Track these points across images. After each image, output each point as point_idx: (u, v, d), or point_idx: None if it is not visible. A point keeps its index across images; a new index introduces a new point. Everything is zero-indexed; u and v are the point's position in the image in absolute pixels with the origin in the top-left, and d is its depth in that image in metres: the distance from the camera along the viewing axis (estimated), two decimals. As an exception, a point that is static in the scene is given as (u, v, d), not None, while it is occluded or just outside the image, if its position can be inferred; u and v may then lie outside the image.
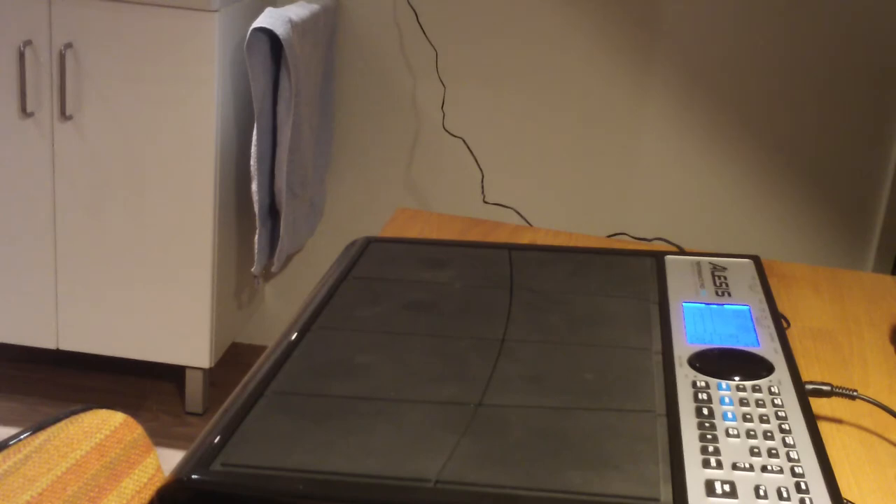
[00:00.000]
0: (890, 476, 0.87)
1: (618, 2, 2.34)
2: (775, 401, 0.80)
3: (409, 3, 2.38)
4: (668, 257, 1.09)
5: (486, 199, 2.51)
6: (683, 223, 2.48)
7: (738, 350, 0.88)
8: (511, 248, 1.11)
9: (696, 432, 0.75)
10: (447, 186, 2.51)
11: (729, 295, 1.00)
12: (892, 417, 0.95)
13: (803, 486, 0.69)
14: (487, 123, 2.45)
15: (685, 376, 0.84)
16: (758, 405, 0.79)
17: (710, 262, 1.08)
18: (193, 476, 0.69)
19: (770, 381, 0.83)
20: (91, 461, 0.71)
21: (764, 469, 0.71)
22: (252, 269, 2.26)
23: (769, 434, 0.75)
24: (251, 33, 2.03)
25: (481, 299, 0.98)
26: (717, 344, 0.89)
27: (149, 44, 2.07)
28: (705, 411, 0.78)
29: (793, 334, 1.11)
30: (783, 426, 0.76)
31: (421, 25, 2.40)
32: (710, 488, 0.69)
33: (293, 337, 0.89)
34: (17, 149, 2.15)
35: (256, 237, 2.21)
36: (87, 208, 2.18)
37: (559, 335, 0.91)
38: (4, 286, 2.25)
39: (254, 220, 2.30)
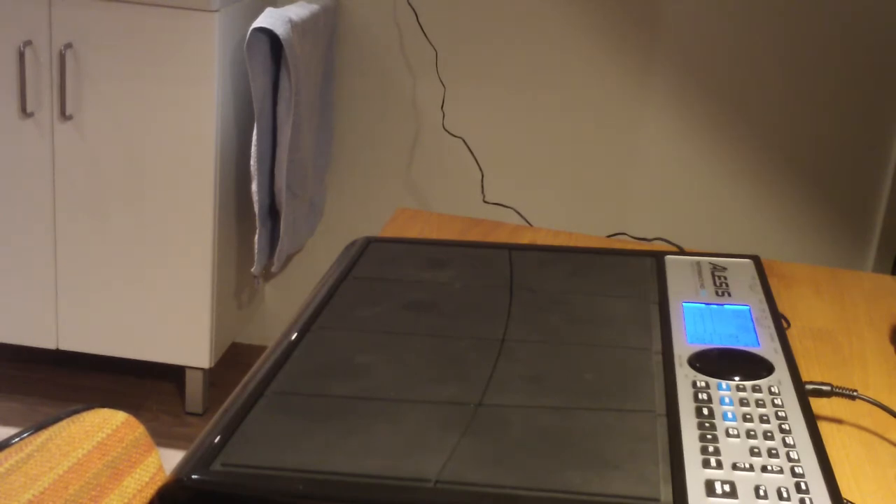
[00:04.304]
0: (890, 476, 0.87)
1: (618, 2, 2.34)
2: (775, 401, 0.80)
3: (409, 3, 2.38)
4: (668, 257, 1.09)
5: (486, 199, 2.51)
6: (683, 223, 2.48)
7: (738, 350, 0.88)
8: (511, 248, 1.11)
9: (696, 432, 0.75)
10: (447, 186, 2.51)
11: (729, 295, 1.00)
12: (892, 417, 0.95)
13: (803, 486, 0.69)
14: (487, 123, 2.45)
15: (685, 376, 0.84)
16: (758, 405, 0.79)
17: (710, 262, 1.08)
18: (194, 476, 0.69)
19: (770, 381, 0.83)
20: (92, 460, 0.71)
21: (764, 469, 0.71)
22: (252, 269, 2.26)
23: (769, 434, 0.75)
24: (251, 33, 2.03)
25: (481, 299, 0.98)
26: (717, 344, 0.89)
27: (149, 44, 2.07)
28: (705, 411, 0.78)
29: (793, 334, 1.11)
30: (783, 426, 0.76)
31: (421, 25, 2.40)
32: (710, 488, 0.69)
33: (293, 337, 0.89)
34: (17, 149, 2.15)
35: (256, 237, 2.21)
36: (87, 208, 2.18)
37: (559, 335, 0.91)
38: (4, 286, 2.25)
39: (254, 220, 2.30)
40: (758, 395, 0.81)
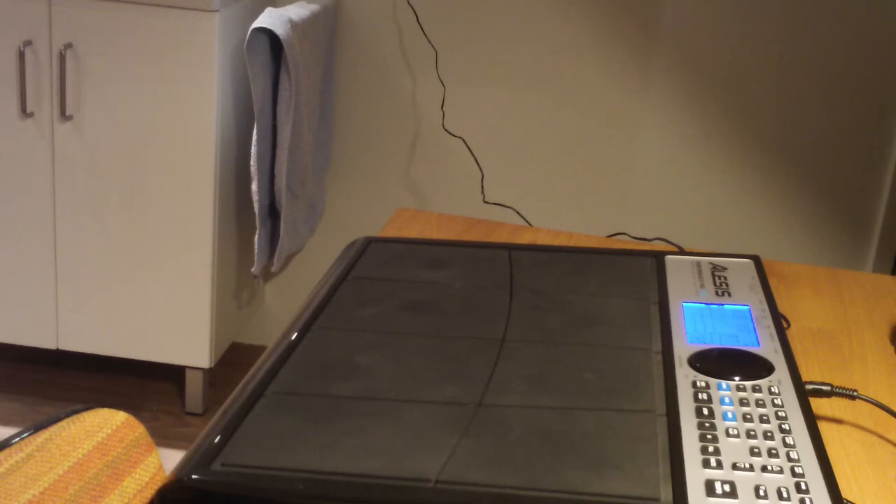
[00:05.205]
0: (890, 476, 0.87)
1: (618, 2, 2.34)
2: (775, 401, 0.80)
3: (409, 3, 2.38)
4: (668, 257, 1.09)
5: (486, 199, 2.51)
6: (683, 223, 2.48)
7: (738, 350, 0.88)
8: (511, 248, 1.11)
9: (696, 432, 0.75)
10: (447, 186, 2.51)
11: (729, 295, 1.00)
12: (892, 417, 0.95)
13: (803, 486, 0.69)
14: (487, 123, 2.45)
15: (685, 376, 0.84)
16: (758, 405, 0.79)
17: (710, 262, 1.08)
18: (193, 476, 0.69)
19: (770, 381, 0.83)
20: (92, 460, 0.71)
21: (764, 469, 0.71)
22: (252, 269, 2.26)
23: (769, 434, 0.75)
24: (251, 33, 2.03)
25: (481, 299, 0.98)
26: (717, 344, 0.89)
27: (149, 44, 2.07)
28: (705, 411, 0.78)
29: (793, 334, 1.11)
30: (783, 426, 0.76)
31: (421, 25, 2.40)
32: (710, 488, 0.69)
33: (293, 337, 0.89)
34: (17, 149, 2.15)
35: (256, 237, 2.21)
36: (87, 208, 2.18)
37: (559, 335, 0.91)
38: (4, 286, 2.25)
39: (254, 220, 2.30)
40: (758, 395, 0.81)
